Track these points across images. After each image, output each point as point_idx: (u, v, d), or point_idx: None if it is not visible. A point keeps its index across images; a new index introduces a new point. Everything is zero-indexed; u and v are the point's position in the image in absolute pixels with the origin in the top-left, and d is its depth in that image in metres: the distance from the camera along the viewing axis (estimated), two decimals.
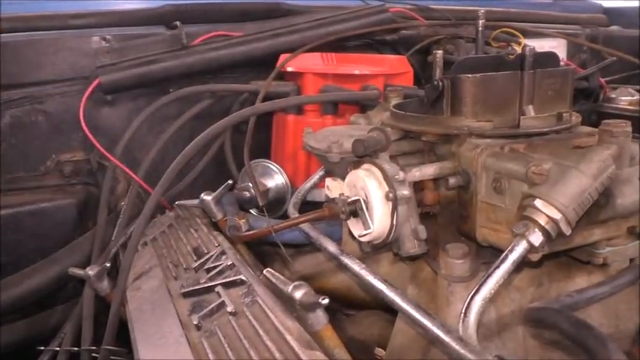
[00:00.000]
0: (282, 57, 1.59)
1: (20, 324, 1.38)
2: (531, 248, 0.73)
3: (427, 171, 0.89)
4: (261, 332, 0.75)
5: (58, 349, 1.18)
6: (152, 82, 1.54)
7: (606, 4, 2.66)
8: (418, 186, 0.91)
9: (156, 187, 1.16)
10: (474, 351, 0.67)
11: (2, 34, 1.50)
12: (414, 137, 0.97)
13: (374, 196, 0.84)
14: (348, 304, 1.13)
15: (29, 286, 1.32)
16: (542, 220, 0.73)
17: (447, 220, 0.94)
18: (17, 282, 1.31)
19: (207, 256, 1.04)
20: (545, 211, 0.73)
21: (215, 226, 1.20)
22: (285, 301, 0.77)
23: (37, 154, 1.52)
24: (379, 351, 0.92)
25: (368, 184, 0.85)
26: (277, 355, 0.70)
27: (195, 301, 0.91)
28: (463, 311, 0.72)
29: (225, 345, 0.76)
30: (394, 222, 0.84)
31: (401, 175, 0.83)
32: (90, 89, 1.47)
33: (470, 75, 0.88)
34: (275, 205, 1.38)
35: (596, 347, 0.65)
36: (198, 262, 1.03)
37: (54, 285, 1.33)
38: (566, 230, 0.73)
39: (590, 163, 0.75)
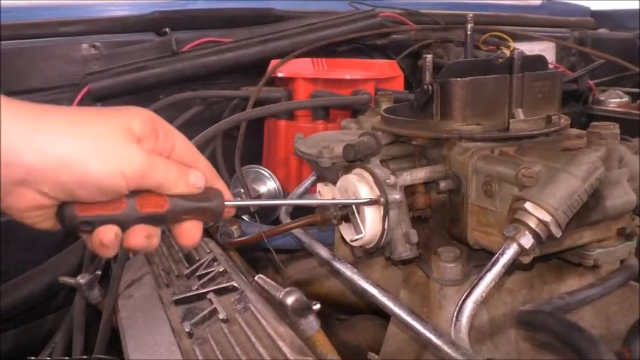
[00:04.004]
0: (273, 62, 1.59)
1: (10, 333, 1.37)
2: (522, 251, 0.74)
3: (418, 175, 0.89)
4: (253, 339, 0.75)
5: (49, 359, 1.17)
6: (142, 89, 1.54)
7: (594, 7, 2.68)
8: (409, 190, 0.91)
9: None
10: (466, 354, 0.67)
11: None
12: (404, 141, 0.97)
13: None
14: (341, 309, 1.13)
15: (20, 295, 1.31)
16: (532, 223, 0.73)
17: (439, 223, 0.94)
18: (8, 291, 1.30)
19: (198, 263, 1.04)
20: (536, 213, 0.73)
21: (207, 232, 1.19)
22: (277, 307, 0.76)
23: None
24: (372, 355, 0.92)
25: (359, 189, 0.85)
26: None
27: (187, 308, 0.91)
28: (455, 314, 0.72)
29: (218, 352, 0.76)
30: (386, 226, 0.84)
31: (392, 179, 0.84)
32: (79, 96, 1.47)
33: (459, 79, 0.88)
34: (267, 210, 1.37)
35: (588, 349, 0.65)
36: (190, 269, 1.02)
37: (45, 294, 1.32)
38: (557, 232, 0.73)
39: (579, 166, 0.76)
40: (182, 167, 0.59)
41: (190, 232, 0.60)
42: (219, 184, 0.63)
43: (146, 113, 0.58)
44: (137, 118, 0.56)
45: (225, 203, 0.61)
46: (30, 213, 0.54)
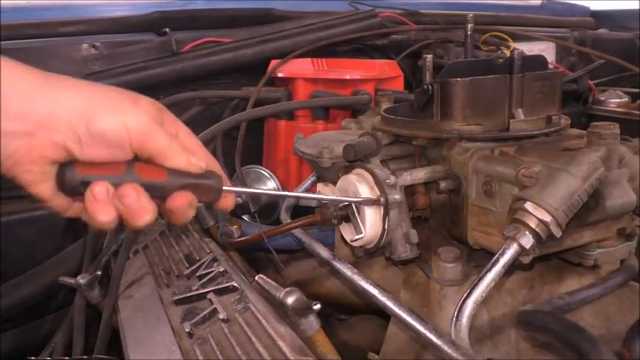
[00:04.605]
0: (273, 62, 1.59)
1: (10, 334, 1.37)
2: (522, 251, 0.74)
3: (418, 175, 0.89)
4: (253, 339, 0.75)
5: (49, 359, 1.17)
6: (142, 89, 1.52)
7: (594, 7, 2.68)
8: (409, 190, 0.91)
9: None
10: (467, 354, 0.67)
11: None
12: (404, 141, 0.97)
13: None
14: (342, 309, 1.13)
15: (20, 296, 1.31)
16: (532, 223, 0.73)
17: (439, 223, 0.94)
18: (8, 291, 1.30)
19: (199, 263, 1.04)
20: (536, 213, 0.73)
21: (207, 232, 1.20)
22: (278, 307, 0.76)
23: None
24: (372, 355, 0.92)
25: (359, 189, 0.85)
26: None
27: (188, 308, 0.91)
28: (455, 314, 0.72)
29: (218, 352, 0.76)
30: (386, 226, 0.84)
31: (392, 179, 0.84)
32: None
33: (459, 79, 0.88)
34: (267, 211, 1.37)
35: (587, 349, 0.65)
36: (190, 269, 1.02)
37: (45, 294, 1.32)
38: (557, 232, 0.73)
39: (579, 166, 0.76)
40: (185, 147, 0.61)
41: (184, 208, 0.60)
42: (221, 175, 0.64)
43: (152, 100, 0.63)
44: (144, 98, 0.62)
45: (224, 188, 0.62)
46: (33, 167, 0.55)
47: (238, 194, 1.28)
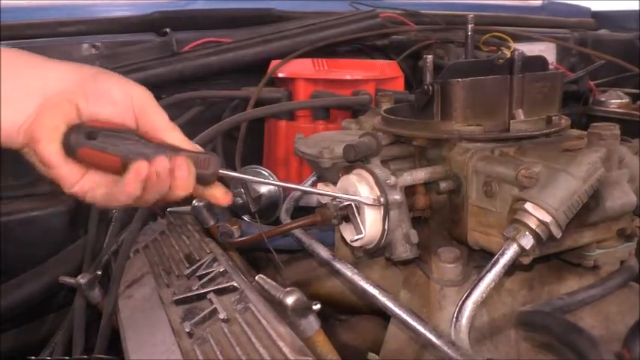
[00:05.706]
0: (273, 63, 1.59)
1: (10, 334, 1.37)
2: (522, 251, 0.74)
3: (418, 175, 0.89)
4: (253, 339, 0.75)
5: (49, 358, 1.17)
6: None
7: (594, 8, 2.68)
8: (409, 190, 0.91)
9: None
10: (466, 354, 0.67)
11: None
12: (405, 142, 0.97)
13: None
14: (342, 309, 1.13)
15: (20, 295, 1.31)
16: (532, 224, 0.73)
17: (439, 224, 0.94)
18: (8, 291, 1.30)
19: (199, 263, 1.04)
20: (536, 214, 0.73)
21: (207, 232, 1.20)
22: (278, 307, 0.76)
23: (27, 162, 1.51)
24: (372, 356, 0.92)
25: (359, 189, 0.85)
26: None
27: (188, 308, 0.91)
28: (455, 315, 0.72)
29: (218, 352, 0.76)
30: (386, 227, 0.84)
31: (392, 179, 0.84)
32: None
33: (460, 79, 0.88)
34: (267, 211, 1.37)
35: (587, 349, 0.65)
36: (191, 269, 1.02)
37: (45, 294, 1.32)
38: (557, 233, 0.73)
39: (579, 166, 0.76)
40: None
41: (185, 170, 0.63)
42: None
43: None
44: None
45: (221, 171, 0.66)
46: (45, 120, 0.61)
47: (239, 195, 1.29)
